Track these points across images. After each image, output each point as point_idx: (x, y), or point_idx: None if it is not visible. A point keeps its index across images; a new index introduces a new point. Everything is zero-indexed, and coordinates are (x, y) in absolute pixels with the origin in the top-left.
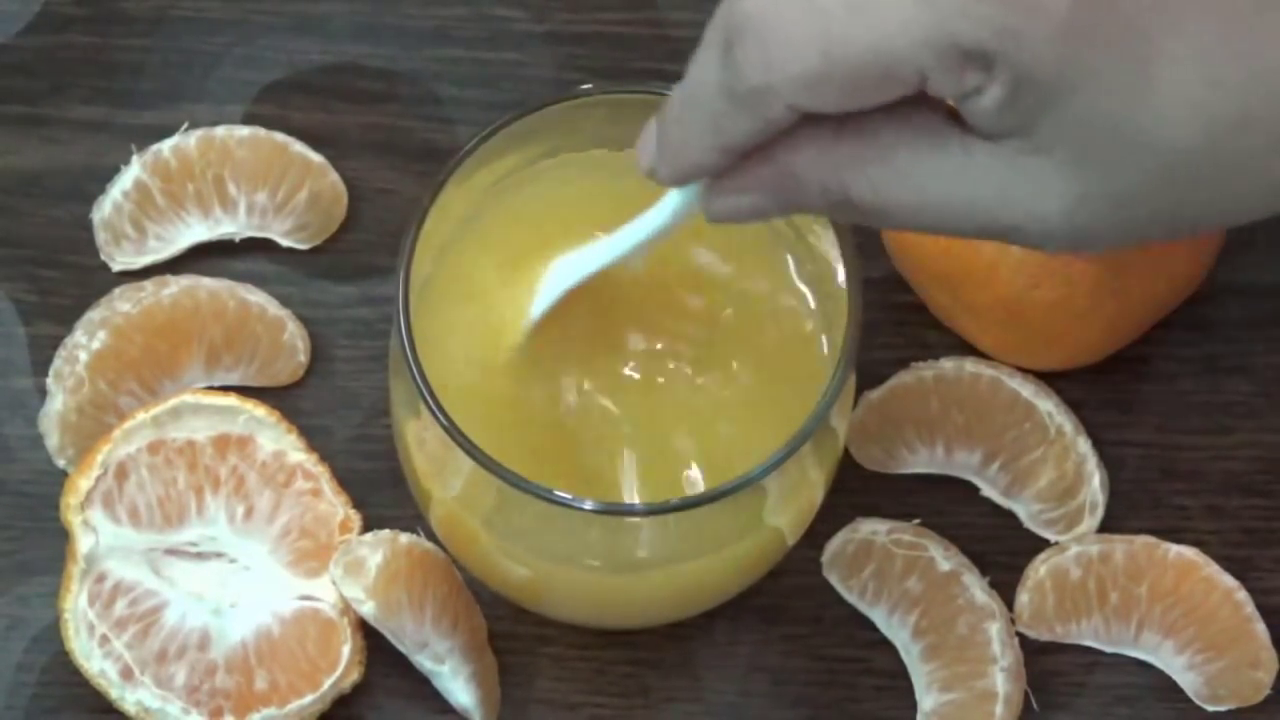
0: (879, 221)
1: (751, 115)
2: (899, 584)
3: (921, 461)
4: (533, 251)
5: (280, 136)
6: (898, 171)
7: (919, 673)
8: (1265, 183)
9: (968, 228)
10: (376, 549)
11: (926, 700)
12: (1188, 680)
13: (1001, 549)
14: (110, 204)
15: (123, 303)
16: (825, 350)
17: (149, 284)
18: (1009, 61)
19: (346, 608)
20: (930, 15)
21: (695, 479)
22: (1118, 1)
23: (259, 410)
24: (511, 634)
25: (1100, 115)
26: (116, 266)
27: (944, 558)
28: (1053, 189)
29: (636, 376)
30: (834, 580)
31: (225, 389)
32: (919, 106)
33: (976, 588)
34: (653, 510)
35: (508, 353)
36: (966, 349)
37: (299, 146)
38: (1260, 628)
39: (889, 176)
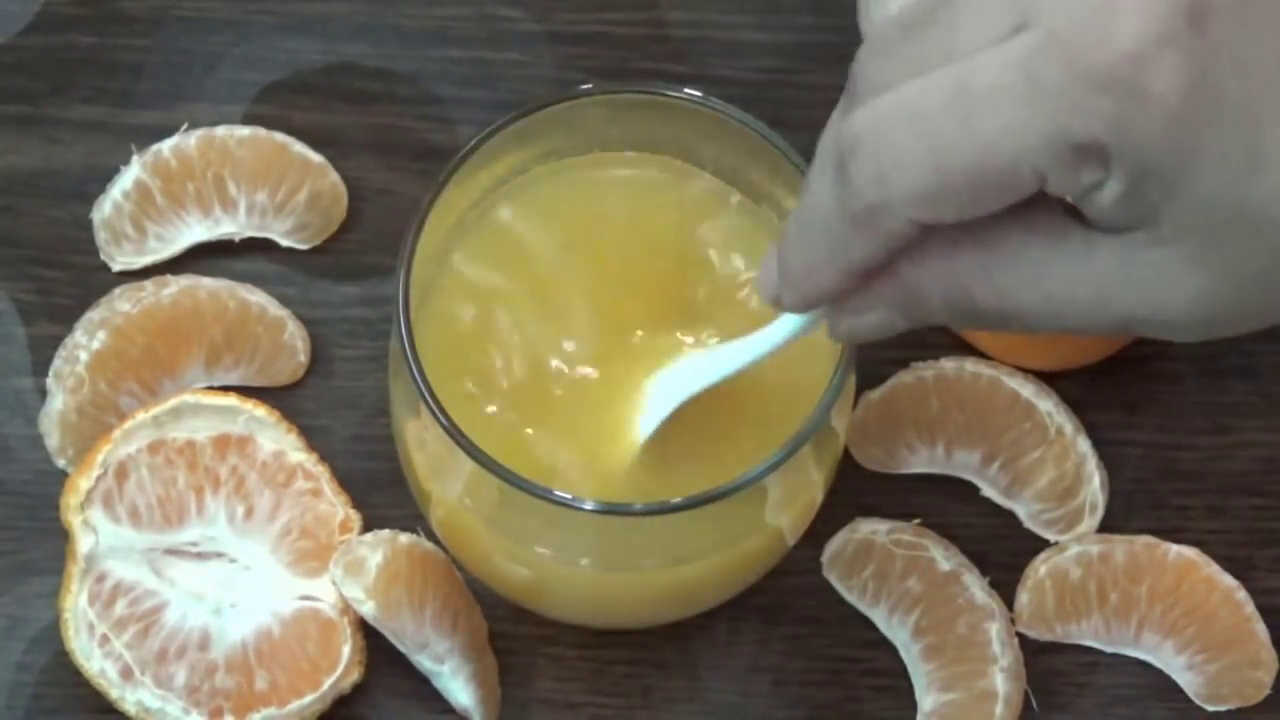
0: (1005, 326)
1: (871, 234)
2: (899, 584)
3: (921, 461)
4: (533, 252)
5: (280, 136)
6: (1021, 274)
7: (919, 673)
8: None
9: (1095, 326)
10: (376, 549)
11: (926, 700)
12: (1188, 680)
13: (1001, 549)
14: (110, 204)
15: (123, 303)
16: (825, 350)
17: (149, 284)
18: (1125, 153)
19: (346, 608)
20: (1042, 116)
21: (695, 478)
22: (1228, 84)
23: (259, 410)
24: (511, 634)
25: (1218, 200)
26: (116, 266)
27: (944, 558)
28: (1178, 280)
29: (637, 375)
30: (834, 580)
31: (225, 389)
32: (1037, 207)
33: (976, 588)
34: (653, 510)
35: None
36: (966, 349)
37: (299, 146)
38: (1260, 628)
39: (1013, 280)
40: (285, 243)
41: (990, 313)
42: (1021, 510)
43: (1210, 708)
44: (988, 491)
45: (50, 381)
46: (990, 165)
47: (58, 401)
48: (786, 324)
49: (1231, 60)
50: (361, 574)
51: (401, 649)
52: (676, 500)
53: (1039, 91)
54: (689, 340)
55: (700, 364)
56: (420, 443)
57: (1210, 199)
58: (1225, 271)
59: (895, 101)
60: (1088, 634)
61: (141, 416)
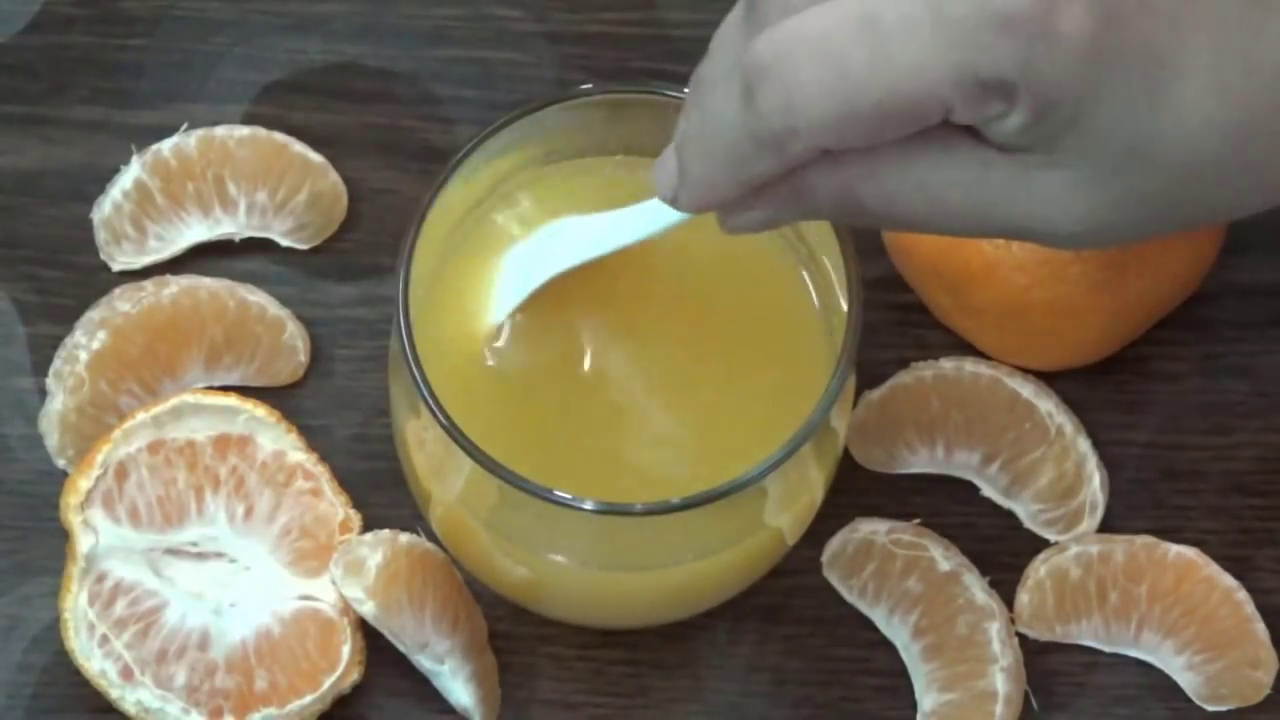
0: (889, 226)
1: (775, 156)
2: (899, 584)
3: (921, 461)
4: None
5: (280, 136)
6: (909, 180)
7: (919, 673)
8: (1267, 183)
9: (978, 231)
10: (376, 549)
11: (926, 700)
12: (1187, 680)
13: (1001, 549)
14: (110, 204)
15: (123, 303)
16: (825, 350)
17: (149, 284)
18: (1030, 90)
19: (346, 608)
20: (951, 53)
21: (695, 478)
22: (1133, 25)
23: (259, 410)
24: (511, 634)
25: (1118, 133)
26: (116, 266)
27: (944, 558)
28: (1067, 199)
29: (637, 374)
30: (834, 580)
31: (225, 389)
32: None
33: (976, 588)
34: (653, 510)
35: (506, 344)
36: (966, 349)
37: (299, 146)
38: (1260, 628)
39: (902, 185)
40: (285, 243)
41: (877, 214)
42: (1021, 510)
43: (1210, 708)
44: (988, 491)
45: (50, 381)
46: (897, 99)
47: (58, 401)
48: (665, 212)
49: (1135, 2)
50: (361, 574)
51: (401, 649)
52: (676, 500)
53: (948, 27)
54: (690, 335)
55: (570, 236)
56: (420, 443)
57: (1109, 132)
58: (1113, 196)
59: (803, 30)
60: (1087, 634)
61: (141, 416)
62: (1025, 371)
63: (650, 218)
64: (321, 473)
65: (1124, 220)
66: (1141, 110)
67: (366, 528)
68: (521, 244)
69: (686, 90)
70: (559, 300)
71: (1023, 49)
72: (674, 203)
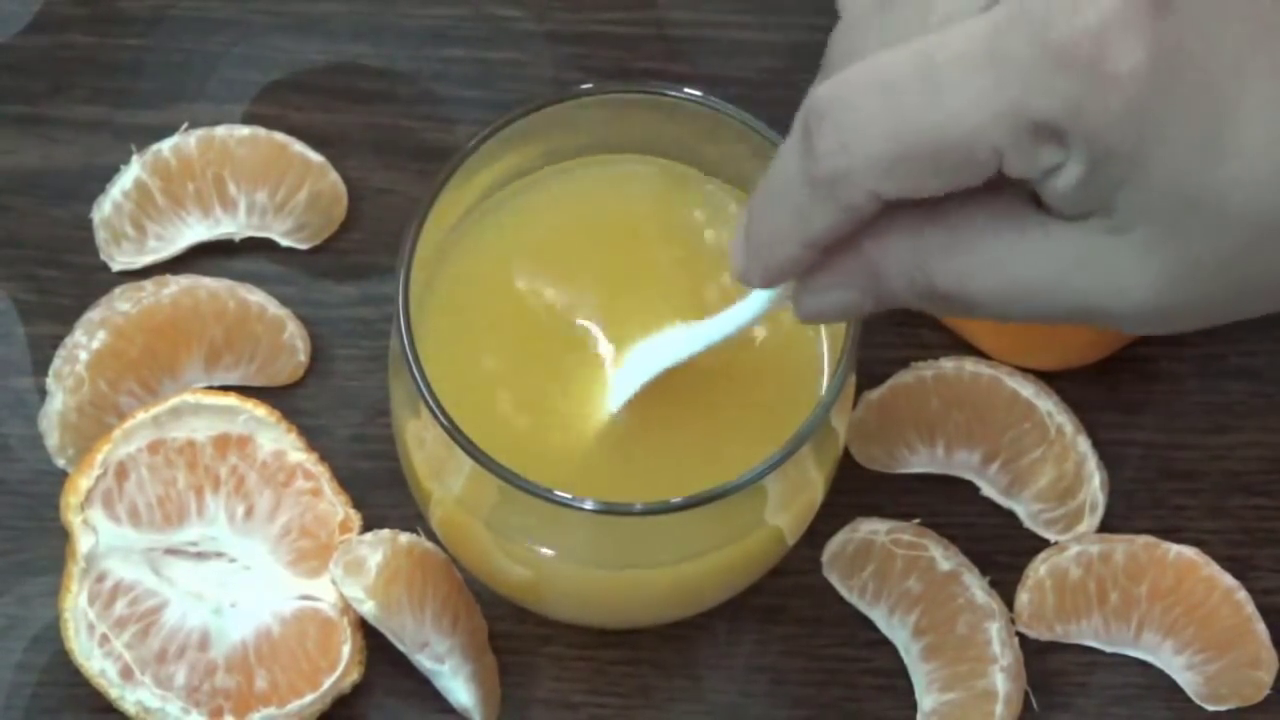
0: (967, 311)
1: (833, 203)
2: (899, 584)
3: (921, 461)
4: (534, 252)
5: (280, 136)
6: (981, 258)
7: (919, 672)
8: None
9: (1056, 313)
10: (376, 548)
11: (926, 700)
12: (1188, 680)
13: (1001, 549)
14: (110, 204)
15: (123, 302)
16: (825, 350)
17: (149, 284)
18: (1084, 136)
19: (346, 607)
20: (1003, 91)
21: (695, 478)
22: (1188, 70)
23: (259, 410)
24: (511, 634)
25: (1177, 186)
26: (116, 266)
27: (944, 558)
28: (1136, 268)
29: None
30: (834, 580)
31: (225, 389)
32: (1000, 193)
33: (976, 588)
34: (652, 510)
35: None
36: (966, 349)
37: (299, 146)
38: (1260, 628)
39: (973, 263)
40: (285, 243)
41: (950, 296)
42: (1021, 510)
43: (1210, 708)
44: (988, 491)
45: (50, 381)
46: (950, 138)
47: (58, 401)
48: (755, 301)
49: (1195, 45)
50: (361, 574)
51: (401, 649)
52: (676, 500)
53: (1002, 65)
54: None
55: (671, 339)
56: (420, 443)
57: (1167, 186)
58: (1182, 261)
59: (861, 69)
60: (1088, 634)
61: (141, 416)
62: (1025, 371)
63: (738, 316)
64: (321, 473)
65: (1199, 295)
66: (1200, 162)
67: (366, 528)
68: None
69: (687, 90)
70: (560, 304)
71: (1075, 89)
72: (744, 276)
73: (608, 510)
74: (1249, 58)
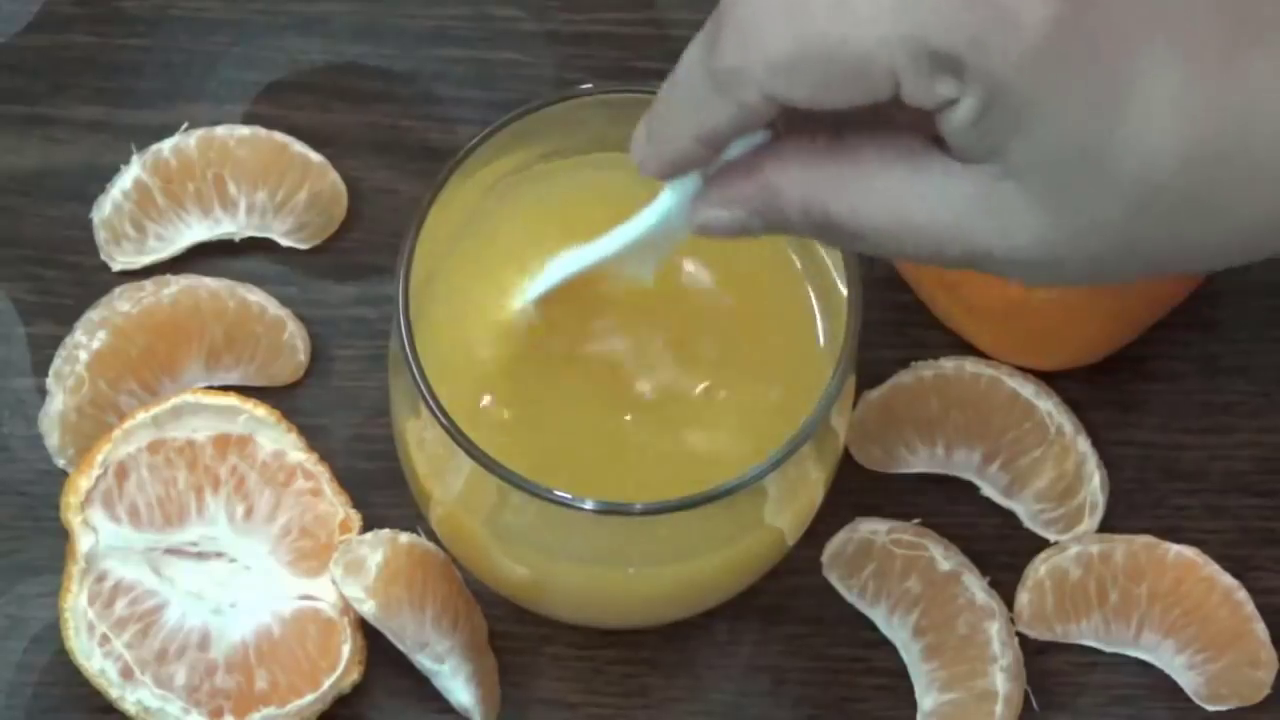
0: (858, 245)
1: (728, 99)
2: (899, 584)
3: (921, 461)
4: (533, 252)
5: (280, 136)
6: (877, 192)
7: (919, 672)
8: (1237, 224)
9: (942, 254)
10: (376, 548)
11: (926, 700)
12: (1188, 680)
13: (1001, 549)
14: (110, 204)
15: (123, 302)
16: (825, 350)
17: (149, 284)
18: (980, 72)
19: (346, 607)
20: (904, 14)
21: (694, 478)
22: (1093, 26)
23: (259, 410)
24: (511, 634)
25: (1071, 141)
26: (116, 266)
27: (944, 558)
28: (1025, 217)
29: (637, 374)
30: (834, 580)
31: (225, 389)
32: (902, 131)
33: (976, 588)
34: (652, 510)
35: (506, 345)
36: (966, 349)
37: (299, 146)
38: (1260, 628)
39: (869, 197)
40: (285, 242)
41: (846, 228)
42: (1021, 510)
43: (1210, 707)
44: (988, 491)
45: (50, 381)
46: (848, 50)
47: (58, 401)
48: (659, 205)
49: (1105, 8)
50: (361, 573)
51: (401, 649)
52: (676, 500)
53: None
54: (690, 334)
55: (586, 248)
56: (420, 443)
57: (1061, 140)
58: (1070, 215)
59: None
60: (1087, 634)
61: (141, 416)
62: (1025, 371)
63: (642, 221)
64: (321, 473)
65: (1086, 250)
66: (1096, 120)
67: (366, 528)
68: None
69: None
70: (560, 304)
71: (976, 24)
72: (641, 164)
73: (608, 510)
74: (1157, 27)
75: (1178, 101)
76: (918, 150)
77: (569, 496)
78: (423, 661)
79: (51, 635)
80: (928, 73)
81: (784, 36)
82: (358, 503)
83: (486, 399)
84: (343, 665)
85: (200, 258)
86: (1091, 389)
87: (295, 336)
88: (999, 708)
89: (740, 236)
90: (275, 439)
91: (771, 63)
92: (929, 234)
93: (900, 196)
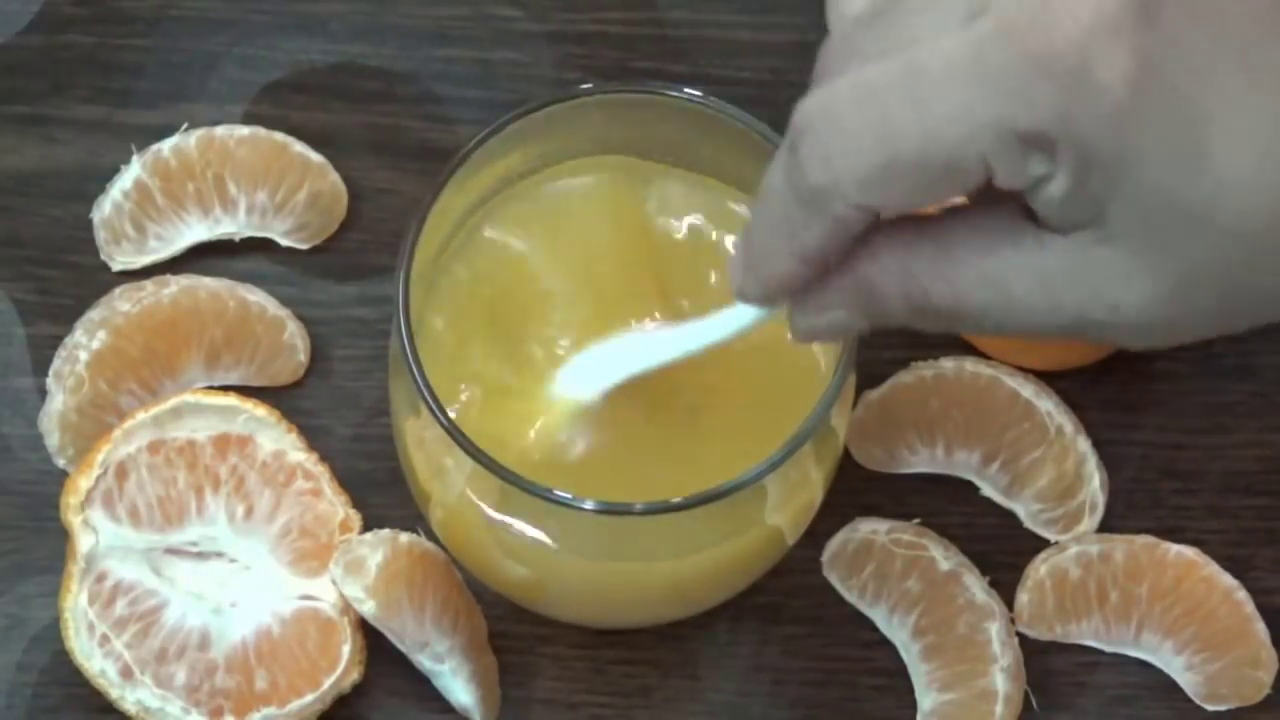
0: (963, 326)
1: (820, 216)
2: (899, 584)
3: (921, 461)
4: (535, 252)
5: (280, 136)
6: (976, 272)
7: (919, 672)
8: None
9: (1051, 327)
10: (376, 548)
11: (926, 700)
12: (1188, 680)
13: (1001, 549)
14: (110, 204)
15: (123, 302)
16: (824, 350)
17: (149, 284)
18: (1070, 144)
19: (346, 607)
20: (985, 103)
21: (694, 478)
22: (1173, 79)
23: (259, 410)
24: (511, 634)
25: (1163, 196)
26: (116, 266)
27: (944, 558)
28: (1128, 280)
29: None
30: (834, 580)
31: (225, 389)
32: (994, 208)
33: (976, 588)
34: (652, 510)
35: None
36: (966, 349)
37: (299, 146)
38: (1260, 628)
39: (967, 278)
40: (285, 242)
41: (947, 311)
42: (1021, 510)
43: (1210, 707)
44: (988, 491)
45: (50, 381)
46: (936, 150)
47: (58, 401)
48: (743, 312)
49: (1180, 54)
50: (361, 573)
51: (401, 649)
52: (676, 500)
53: (987, 76)
54: None
55: (653, 341)
56: (420, 443)
57: (1154, 196)
58: (1172, 273)
59: (846, 83)
60: (1088, 634)
61: (141, 416)
62: (1025, 371)
63: (727, 322)
64: (321, 473)
65: (1192, 307)
66: (1186, 170)
67: (366, 528)
68: (588, 352)
69: (687, 90)
70: (560, 304)
71: (1059, 98)
72: (741, 292)
73: (608, 510)
74: (1232, 70)
75: (1258, 143)
76: (1012, 226)
77: (569, 496)
78: (423, 661)
79: (51, 635)
80: (1020, 155)
81: (868, 150)
82: (358, 503)
83: (487, 398)
84: (343, 665)
85: (200, 258)
86: (1091, 389)
87: (295, 336)
88: (999, 708)
89: (843, 335)
90: (275, 439)
91: (861, 179)
92: (1033, 309)
93: (1000, 275)
